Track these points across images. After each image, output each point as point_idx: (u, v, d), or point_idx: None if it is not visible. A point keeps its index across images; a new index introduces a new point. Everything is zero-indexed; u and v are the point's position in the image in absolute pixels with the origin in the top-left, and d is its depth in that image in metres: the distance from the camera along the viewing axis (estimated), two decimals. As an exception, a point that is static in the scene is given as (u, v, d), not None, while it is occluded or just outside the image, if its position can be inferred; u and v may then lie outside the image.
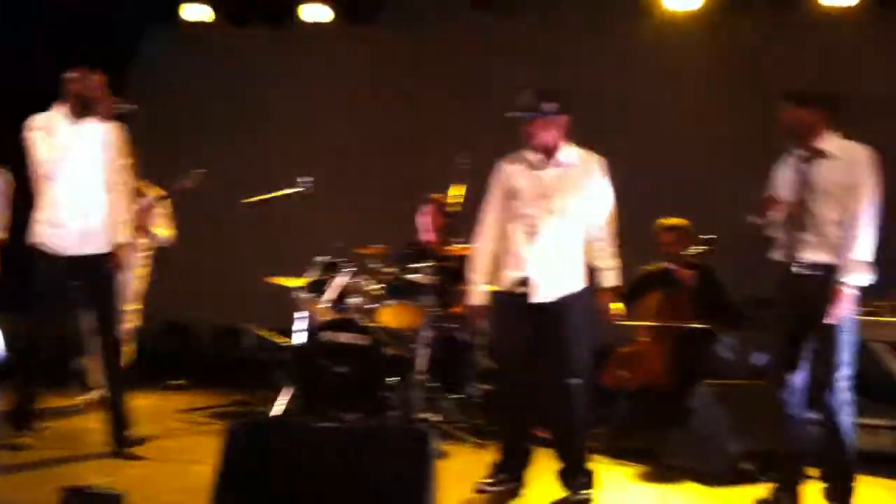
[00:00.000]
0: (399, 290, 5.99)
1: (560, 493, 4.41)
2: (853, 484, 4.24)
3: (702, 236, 5.93)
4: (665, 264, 6.14)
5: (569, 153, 4.43)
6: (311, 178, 6.10)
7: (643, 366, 5.91)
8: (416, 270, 5.92)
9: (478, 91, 8.19)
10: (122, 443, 4.99)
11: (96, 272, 4.97)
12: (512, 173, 4.49)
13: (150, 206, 6.17)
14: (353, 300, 6.01)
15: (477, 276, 4.57)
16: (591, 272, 4.51)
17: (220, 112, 8.76)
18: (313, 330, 5.94)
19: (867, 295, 5.38)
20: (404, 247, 6.58)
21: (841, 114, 4.35)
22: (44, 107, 4.99)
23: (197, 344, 9.22)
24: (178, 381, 7.34)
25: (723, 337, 6.22)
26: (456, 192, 5.95)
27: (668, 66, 7.87)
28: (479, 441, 5.53)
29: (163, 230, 6.38)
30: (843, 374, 4.18)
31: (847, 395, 4.19)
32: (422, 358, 5.69)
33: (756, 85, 7.55)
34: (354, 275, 6.05)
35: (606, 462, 5.19)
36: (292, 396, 5.82)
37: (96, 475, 4.39)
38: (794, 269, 4.26)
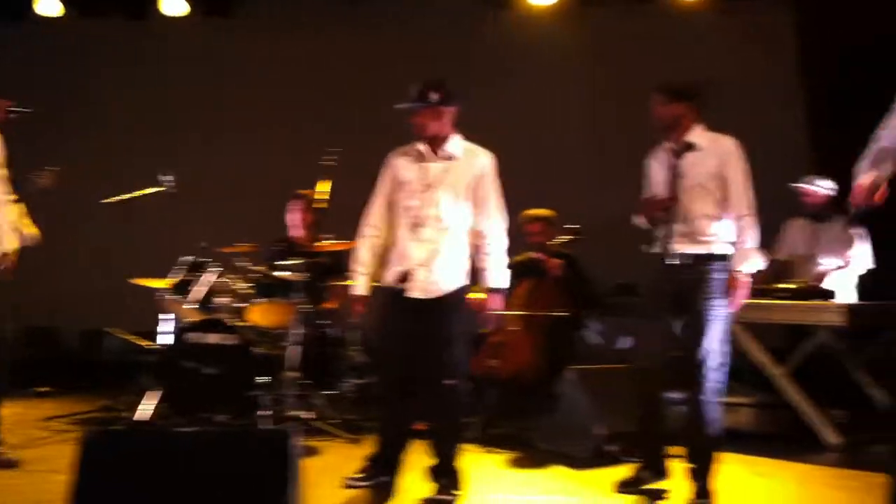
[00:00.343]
0: (268, 288, 5.92)
1: (428, 489, 4.40)
2: (716, 463, 4.37)
3: (567, 226, 6.06)
4: (532, 254, 6.26)
5: (457, 145, 4.41)
6: (172, 177, 5.93)
7: (513, 354, 6.00)
8: (285, 268, 5.86)
9: (341, 84, 8.17)
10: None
11: None
12: (399, 165, 4.45)
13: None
14: (221, 300, 5.90)
15: (360, 268, 4.51)
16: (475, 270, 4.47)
17: (76, 108, 8.48)
18: (180, 331, 5.81)
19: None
20: (272, 244, 6.51)
21: (707, 106, 4.44)
22: None
23: (62, 349, 8.92)
24: (44, 388, 7.08)
25: (590, 323, 6.38)
26: (323, 188, 5.90)
27: (528, 59, 7.99)
28: (352, 436, 5.53)
29: (30, 228, 6.13)
30: (716, 359, 4.29)
31: (718, 378, 4.30)
32: (293, 356, 5.64)
33: (614, 75, 7.77)
34: (221, 274, 5.94)
35: (477, 450, 5.26)
36: (159, 400, 5.68)
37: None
38: (668, 261, 4.34)
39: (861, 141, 6.49)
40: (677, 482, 4.46)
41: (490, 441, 5.50)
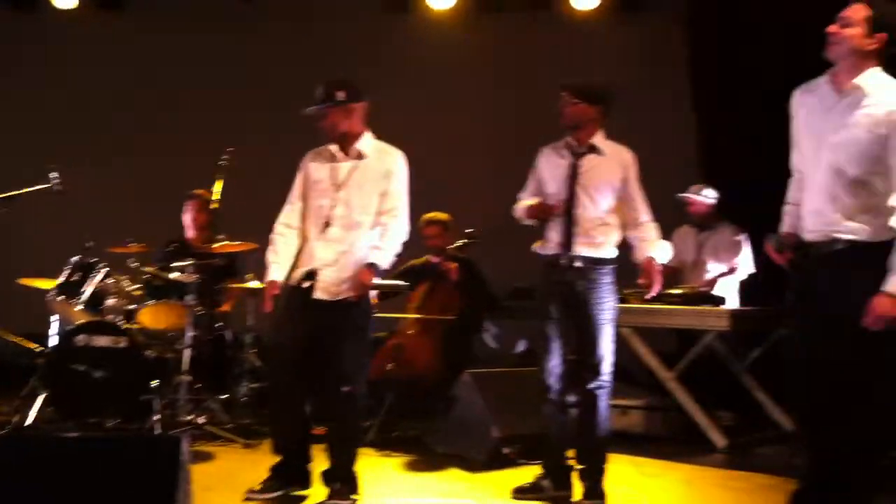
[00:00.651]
0: (160, 290, 5.79)
1: (324, 493, 4.34)
2: (606, 465, 4.45)
3: (467, 231, 6.10)
4: (430, 257, 6.29)
5: (367, 143, 4.36)
6: (58, 174, 5.67)
7: (410, 357, 6.00)
8: (177, 269, 5.74)
9: (238, 83, 8.05)
10: None
11: None
12: (312, 165, 4.40)
13: None
14: (111, 301, 5.75)
15: (273, 257, 4.39)
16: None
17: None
18: (68, 334, 5.64)
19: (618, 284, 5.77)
20: (166, 245, 6.38)
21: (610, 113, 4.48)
22: None
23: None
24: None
25: (488, 326, 6.44)
26: (219, 189, 5.82)
27: (425, 62, 8.02)
28: (247, 441, 5.46)
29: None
30: (607, 361, 4.37)
31: (608, 380, 4.38)
32: (186, 359, 5.53)
33: (511, 81, 7.86)
34: (111, 275, 5.78)
35: (374, 454, 5.26)
36: (48, 405, 5.51)
37: None
38: (562, 262, 4.37)
39: (748, 151, 6.72)
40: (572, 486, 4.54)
41: (386, 444, 5.50)
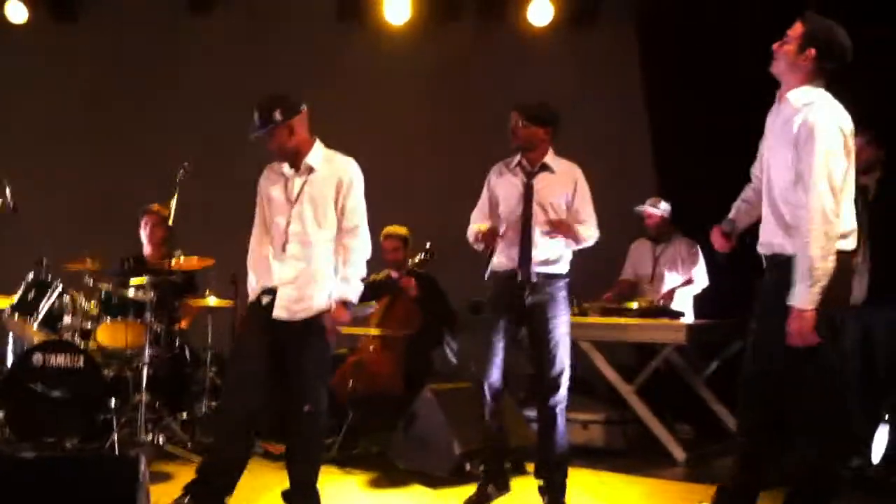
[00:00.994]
0: (117, 308, 5.71)
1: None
2: (566, 479, 4.50)
3: (426, 248, 6.09)
4: (389, 272, 6.29)
5: (317, 155, 4.29)
6: (9, 190, 5.52)
7: (371, 373, 6.00)
8: (134, 286, 5.68)
9: (194, 96, 7.98)
10: None
11: None
12: (268, 181, 4.37)
13: None
14: (67, 320, 5.67)
15: (249, 280, 4.39)
16: None
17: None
18: (24, 353, 5.55)
19: (578, 298, 5.81)
20: (122, 261, 6.29)
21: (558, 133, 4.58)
22: None
23: None
24: None
25: (448, 341, 6.44)
26: (173, 203, 5.74)
27: (382, 76, 8.02)
28: (206, 460, 5.40)
29: None
30: (566, 374, 4.44)
31: (565, 394, 4.45)
32: (144, 377, 5.46)
33: (466, 92, 7.89)
34: (66, 292, 5.70)
35: (336, 471, 5.24)
36: (4, 425, 5.42)
37: None
38: (520, 278, 4.45)
39: (702, 162, 6.79)
40: (525, 498, 4.57)
41: (348, 461, 5.48)
